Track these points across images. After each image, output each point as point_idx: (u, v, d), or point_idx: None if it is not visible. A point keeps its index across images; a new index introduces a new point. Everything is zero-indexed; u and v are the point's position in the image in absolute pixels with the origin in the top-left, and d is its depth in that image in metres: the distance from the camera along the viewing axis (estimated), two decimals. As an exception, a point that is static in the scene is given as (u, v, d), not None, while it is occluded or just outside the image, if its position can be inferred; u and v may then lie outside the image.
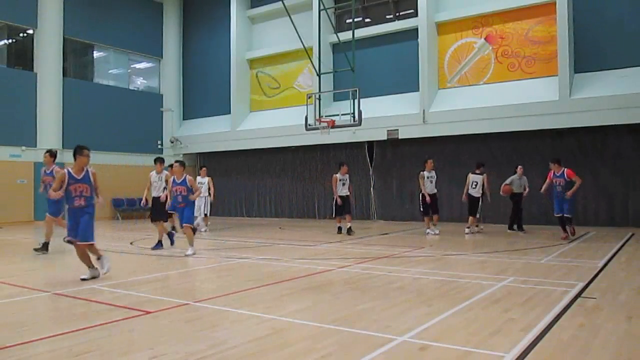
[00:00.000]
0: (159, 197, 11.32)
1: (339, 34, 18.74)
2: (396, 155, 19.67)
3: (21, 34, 21.62)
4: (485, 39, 18.00)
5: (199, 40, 25.58)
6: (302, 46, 17.92)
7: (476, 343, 4.29)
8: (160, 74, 25.94)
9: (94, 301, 6.06)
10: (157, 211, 11.37)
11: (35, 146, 20.69)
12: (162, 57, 25.73)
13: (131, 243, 12.68)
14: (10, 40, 21.96)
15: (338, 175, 14.09)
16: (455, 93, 18.28)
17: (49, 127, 21.01)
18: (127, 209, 23.29)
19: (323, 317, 5.22)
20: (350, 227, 14.18)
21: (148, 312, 5.45)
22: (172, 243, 11.48)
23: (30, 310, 5.90)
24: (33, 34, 21.14)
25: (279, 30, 22.41)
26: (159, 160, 11.63)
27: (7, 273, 8.51)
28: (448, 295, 6.22)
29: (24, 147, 20.32)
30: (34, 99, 20.78)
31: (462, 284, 6.94)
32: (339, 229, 14.33)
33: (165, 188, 11.26)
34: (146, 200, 11.68)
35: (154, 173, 11.52)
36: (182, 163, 10.57)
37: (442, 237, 13.16)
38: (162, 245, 11.25)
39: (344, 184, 14.06)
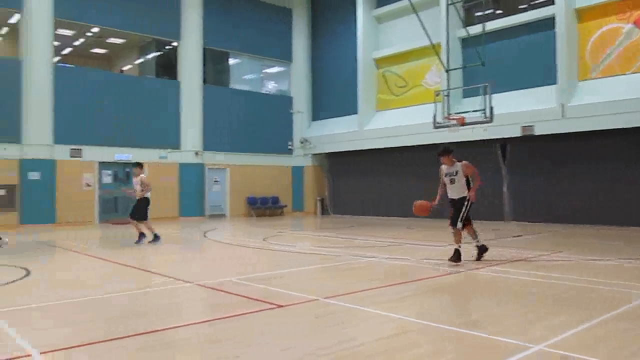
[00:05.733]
0: (139, 198, 12.33)
1: (468, 28, 18.12)
2: (532, 152, 18.56)
3: (167, 47, 23.67)
4: (634, 23, 16.35)
5: (326, 42, 26.16)
6: (429, 43, 17.59)
7: (621, 359, 3.92)
8: (290, 77, 26.95)
9: (231, 293, 6.45)
10: (134, 210, 12.41)
11: (179, 148, 22.50)
12: (291, 61, 26.69)
13: (264, 239, 13.30)
14: (158, 53, 24.21)
15: (443, 167, 9.18)
16: (599, 84, 16.82)
17: (191, 131, 22.76)
18: (260, 207, 24.47)
19: (452, 319, 5.09)
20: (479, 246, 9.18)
21: (280, 306, 5.69)
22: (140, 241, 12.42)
23: (174, 299, 6.42)
24: (177, 46, 23.03)
25: (405, 28, 22.23)
26: (138, 164, 12.64)
27: (156, 264, 9.37)
28: (589, 304, 5.75)
29: (169, 149, 22.20)
30: (178, 106, 22.64)
31: (605, 292, 6.37)
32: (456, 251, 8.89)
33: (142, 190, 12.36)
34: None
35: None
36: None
37: (582, 241, 12.21)
38: (145, 236, 12.46)
39: (452, 182, 9.02)
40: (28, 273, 8.16)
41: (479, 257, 9.03)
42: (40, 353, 4.11)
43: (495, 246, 11.38)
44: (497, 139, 18.93)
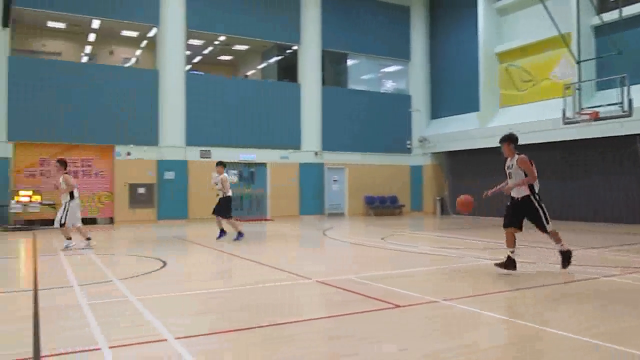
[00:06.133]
0: (223, 196, 12.78)
1: (602, 15, 16.75)
2: (678, 149, 16.73)
3: (287, 51, 24.51)
4: None
5: (445, 38, 25.53)
6: (557, 33, 16.51)
7: None
8: (408, 76, 26.66)
9: (349, 291, 6.53)
10: (218, 208, 12.98)
11: (300, 148, 23.17)
12: (410, 60, 26.39)
13: (382, 238, 13.29)
14: (279, 57, 25.15)
15: (508, 160, 8.09)
16: None
17: (311, 132, 23.37)
18: (378, 206, 24.48)
19: (583, 329, 4.74)
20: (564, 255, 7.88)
21: (398, 306, 5.66)
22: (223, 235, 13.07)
23: (294, 294, 6.63)
24: (297, 50, 23.74)
25: (530, 19, 21.06)
26: (220, 164, 13.07)
27: (277, 260, 9.73)
28: None
29: (290, 150, 22.95)
30: (298, 107, 23.34)
31: None
32: None
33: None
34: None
35: (214, 174, 12.90)
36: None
37: None
38: (242, 235, 12.78)
39: (509, 176, 7.98)
40: (164, 264, 8.87)
41: (565, 265, 7.81)
42: (175, 338, 4.46)
43: (633, 251, 10.42)
44: (636, 134, 17.30)
